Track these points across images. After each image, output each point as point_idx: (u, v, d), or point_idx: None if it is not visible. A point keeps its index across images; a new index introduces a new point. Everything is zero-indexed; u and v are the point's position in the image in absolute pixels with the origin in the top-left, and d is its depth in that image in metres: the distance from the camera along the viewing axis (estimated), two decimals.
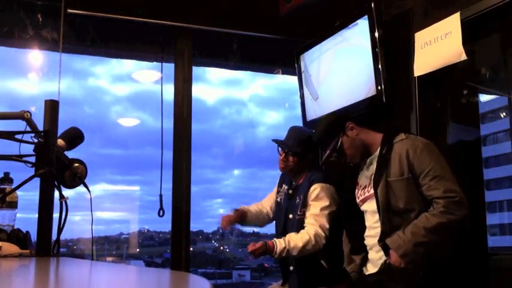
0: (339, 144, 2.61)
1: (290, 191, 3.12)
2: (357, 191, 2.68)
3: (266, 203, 3.34)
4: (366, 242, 2.63)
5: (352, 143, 2.62)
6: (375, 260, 2.56)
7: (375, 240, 2.52)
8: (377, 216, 2.50)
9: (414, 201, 2.41)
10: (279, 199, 3.23)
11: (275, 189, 3.31)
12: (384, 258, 2.48)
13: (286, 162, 3.08)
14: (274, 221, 3.29)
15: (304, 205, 3.00)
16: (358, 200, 2.67)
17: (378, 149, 2.57)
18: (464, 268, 2.79)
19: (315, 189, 2.97)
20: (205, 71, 5.89)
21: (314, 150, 3.16)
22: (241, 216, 3.20)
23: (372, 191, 2.53)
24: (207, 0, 3.85)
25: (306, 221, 2.94)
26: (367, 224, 2.63)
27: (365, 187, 2.63)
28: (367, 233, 2.63)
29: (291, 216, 3.08)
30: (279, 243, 2.83)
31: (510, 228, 3.25)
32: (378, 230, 2.50)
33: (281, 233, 3.07)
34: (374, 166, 2.56)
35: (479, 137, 3.18)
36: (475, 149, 3.13)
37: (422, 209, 2.39)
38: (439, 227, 2.31)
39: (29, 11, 3.57)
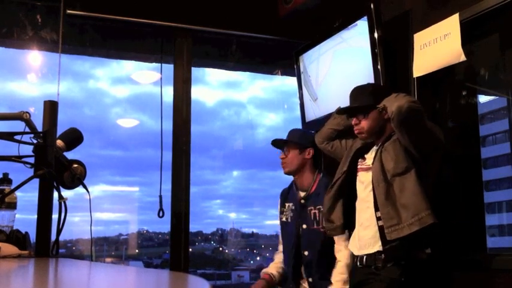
0: (381, 110, 2.54)
1: (302, 201, 3.02)
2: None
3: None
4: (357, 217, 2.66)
5: (378, 121, 2.61)
6: (364, 238, 2.59)
7: (366, 215, 2.57)
8: (370, 188, 2.56)
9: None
10: (284, 219, 3.13)
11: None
12: (373, 238, 2.53)
13: (286, 159, 3.04)
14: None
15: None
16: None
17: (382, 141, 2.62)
18: (463, 269, 2.79)
19: None
20: (204, 73, 5.90)
21: (313, 144, 3.06)
22: (268, 283, 3.14)
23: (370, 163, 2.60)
24: (206, 1, 3.86)
25: (336, 246, 2.87)
26: (359, 197, 2.67)
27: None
28: (358, 207, 2.66)
29: (304, 226, 2.98)
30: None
31: (509, 229, 3.25)
32: (369, 205, 2.56)
33: (293, 247, 2.99)
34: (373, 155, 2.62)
35: (478, 138, 3.18)
36: (474, 150, 3.13)
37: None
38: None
39: (28, 11, 3.57)
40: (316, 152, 3.09)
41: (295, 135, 3.11)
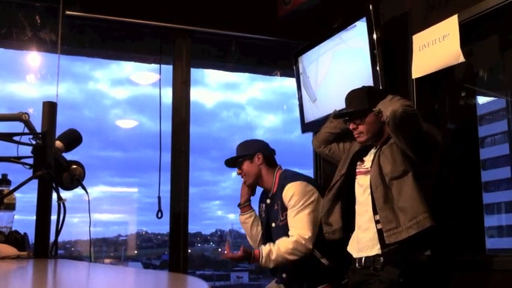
0: (377, 113, 2.55)
1: (268, 201, 3.12)
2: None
3: None
4: (356, 220, 2.67)
5: (376, 124, 2.61)
6: (363, 241, 2.59)
7: (364, 218, 2.58)
8: (368, 191, 2.56)
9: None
10: (263, 214, 3.21)
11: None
12: (371, 241, 2.53)
13: (243, 174, 3.12)
14: None
15: (284, 209, 2.98)
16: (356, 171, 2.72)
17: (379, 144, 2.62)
18: (462, 269, 2.79)
19: (288, 189, 2.97)
20: (204, 74, 5.91)
21: (262, 148, 3.14)
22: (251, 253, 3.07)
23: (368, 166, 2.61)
24: (205, 1, 3.86)
25: (290, 230, 2.93)
26: (357, 200, 2.67)
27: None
28: (357, 210, 2.67)
29: (273, 224, 3.07)
30: (265, 249, 2.85)
31: (508, 230, 3.25)
32: (367, 208, 2.56)
33: (265, 243, 3.03)
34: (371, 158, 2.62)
35: (477, 139, 3.18)
36: (473, 151, 3.14)
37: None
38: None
39: (27, 12, 3.56)
40: (266, 154, 3.14)
41: (240, 149, 3.18)
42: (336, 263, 2.91)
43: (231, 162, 3.19)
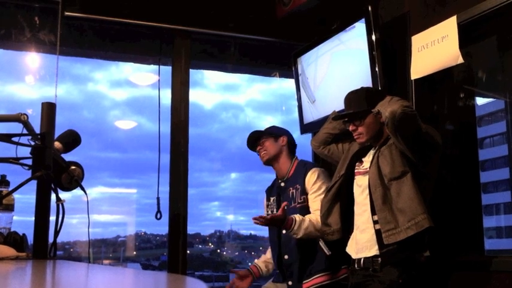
0: (376, 114, 2.55)
1: (282, 184, 3.14)
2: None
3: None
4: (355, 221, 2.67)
5: (375, 125, 2.62)
6: (361, 241, 2.59)
7: (363, 218, 2.58)
8: (366, 191, 2.56)
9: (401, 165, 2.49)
10: (270, 212, 3.21)
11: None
12: (370, 241, 2.54)
13: (263, 150, 3.15)
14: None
15: (304, 192, 3.02)
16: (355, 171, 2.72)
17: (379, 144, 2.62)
18: (461, 270, 2.80)
19: (312, 173, 3.03)
20: (203, 76, 5.92)
21: (288, 134, 3.22)
22: (253, 274, 3.25)
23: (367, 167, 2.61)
24: (204, 2, 3.86)
25: (312, 213, 2.96)
26: (356, 200, 2.68)
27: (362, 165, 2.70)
28: (355, 211, 2.67)
29: (293, 205, 3.05)
30: (297, 217, 2.87)
31: (507, 231, 3.26)
32: (366, 209, 2.57)
33: (278, 233, 3.08)
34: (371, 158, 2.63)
35: (476, 140, 3.18)
36: (472, 152, 3.14)
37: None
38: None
39: (26, 13, 3.56)
40: (291, 140, 3.22)
41: (267, 129, 3.25)
42: (336, 253, 2.92)
43: (254, 138, 3.21)
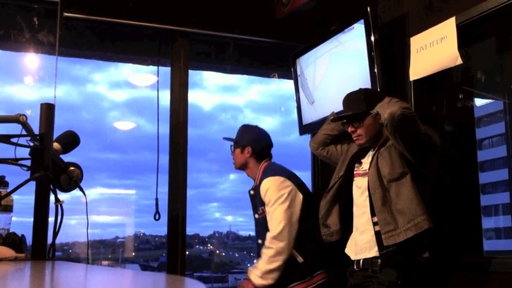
0: (375, 115, 2.55)
1: (252, 192, 3.17)
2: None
3: None
4: (354, 222, 2.68)
5: (374, 126, 2.62)
6: (361, 243, 2.60)
7: (362, 220, 2.58)
8: (366, 193, 2.57)
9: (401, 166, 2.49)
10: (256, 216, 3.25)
11: None
12: (369, 243, 2.54)
13: (233, 158, 3.21)
14: None
15: (261, 203, 3.04)
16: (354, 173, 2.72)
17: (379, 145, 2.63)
18: (459, 271, 2.80)
19: (264, 184, 3.02)
20: (202, 77, 5.92)
21: (254, 142, 3.17)
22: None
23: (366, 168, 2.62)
24: (203, 3, 3.86)
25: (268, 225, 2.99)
26: (355, 202, 2.68)
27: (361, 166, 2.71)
28: (355, 212, 2.67)
29: (256, 216, 3.13)
30: (250, 275, 2.94)
31: (505, 232, 3.26)
32: (365, 210, 2.57)
33: (255, 234, 3.16)
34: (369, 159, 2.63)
35: (475, 141, 3.19)
36: (471, 153, 3.14)
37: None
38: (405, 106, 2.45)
39: (25, 14, 3.56)
40: (256, 149, 3.17)
41: (238, 134, 3.26)
42: (309, 258, 2.92)
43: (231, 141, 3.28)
